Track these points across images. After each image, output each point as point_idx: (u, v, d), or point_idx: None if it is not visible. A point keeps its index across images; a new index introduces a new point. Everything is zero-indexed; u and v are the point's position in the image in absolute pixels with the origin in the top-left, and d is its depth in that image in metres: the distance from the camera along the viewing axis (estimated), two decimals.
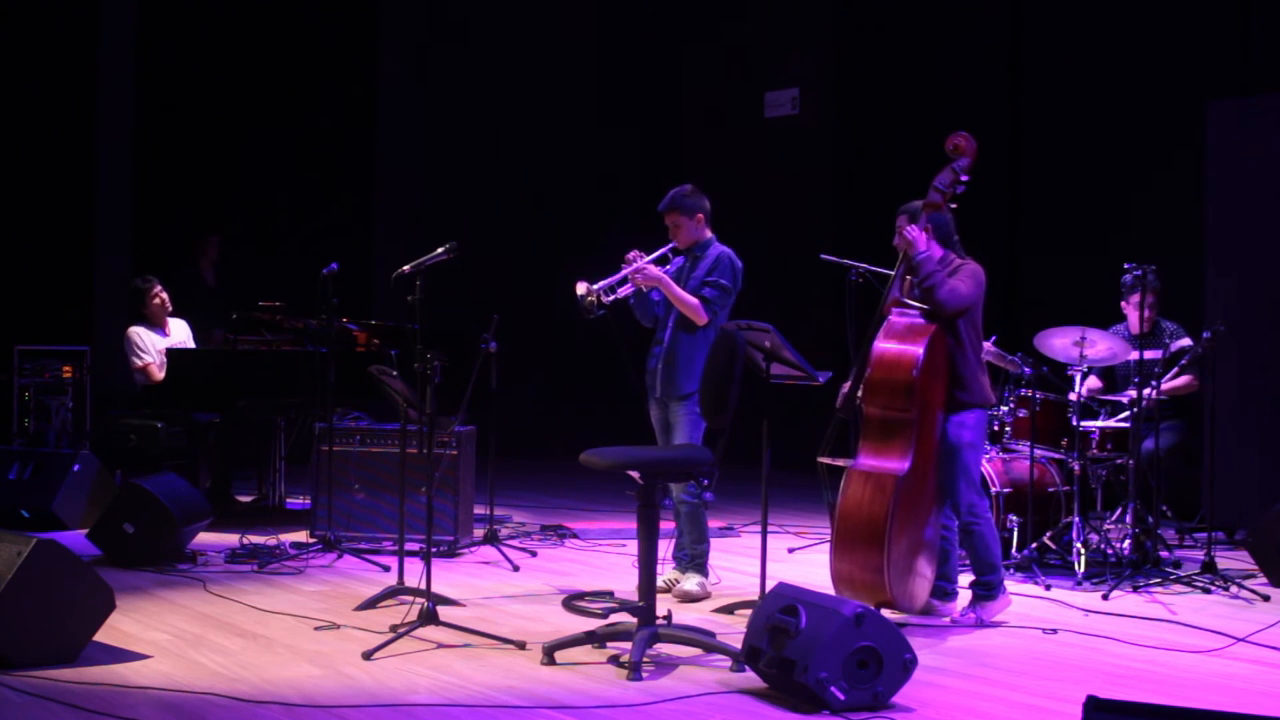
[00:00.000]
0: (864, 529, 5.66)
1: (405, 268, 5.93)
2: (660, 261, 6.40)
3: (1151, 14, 9.78)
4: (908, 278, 5.95)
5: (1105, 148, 9.95)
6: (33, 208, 10.92)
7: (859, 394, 5.89)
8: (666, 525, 6.14)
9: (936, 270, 5.72)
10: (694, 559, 6.43)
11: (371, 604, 5.96)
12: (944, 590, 6.03)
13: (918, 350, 5.70)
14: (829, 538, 5.89)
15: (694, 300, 6.26)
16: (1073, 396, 7.16)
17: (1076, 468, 7.09)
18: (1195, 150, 8.78)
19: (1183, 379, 7.85)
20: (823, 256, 7.09)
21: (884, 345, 5.81)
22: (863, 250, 7.19)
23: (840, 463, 5.92)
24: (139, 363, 8.54)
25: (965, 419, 5.82)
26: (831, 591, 5.61)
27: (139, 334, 8.63)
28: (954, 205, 5.91)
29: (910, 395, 5.69)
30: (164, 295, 8.73)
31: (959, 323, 5.82)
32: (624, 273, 6.30)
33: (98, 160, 11.23)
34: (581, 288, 6.23)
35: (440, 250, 5.96)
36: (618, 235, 7.23)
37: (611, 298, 6.31)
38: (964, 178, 5.88)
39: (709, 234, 6.44)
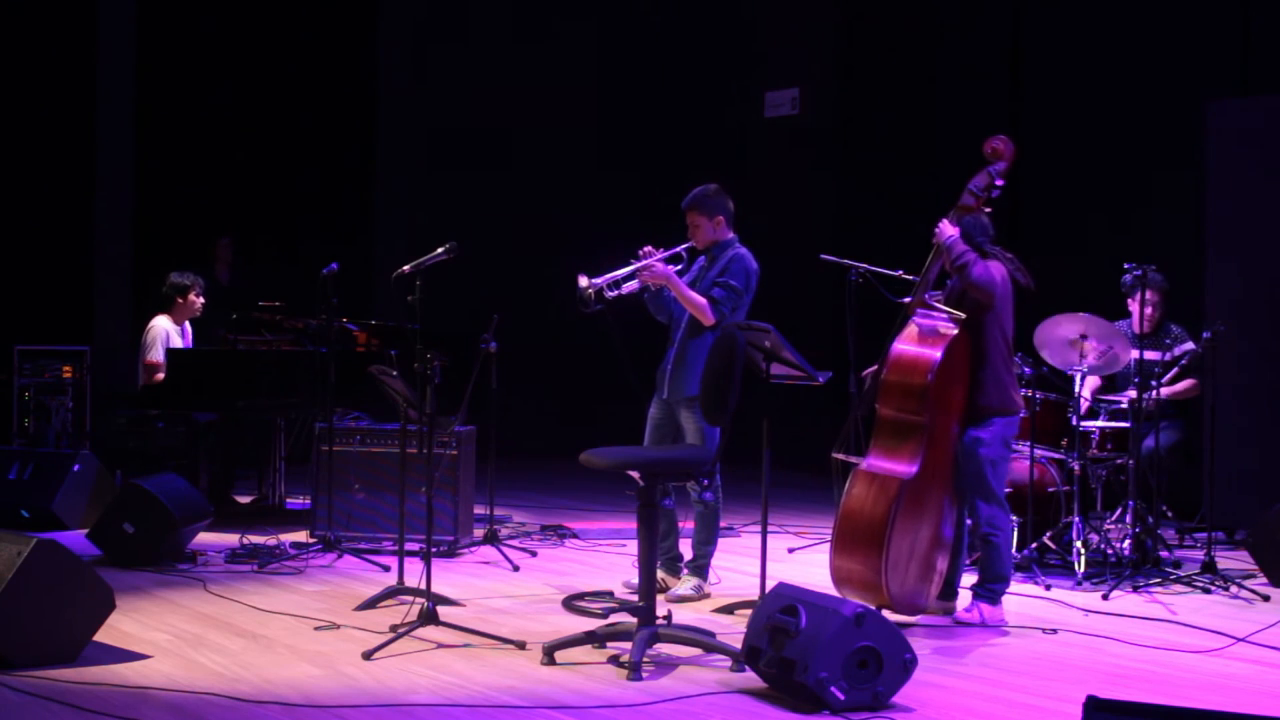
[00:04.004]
0: (864, 529, 5.65)
1: (405, 268, 5.93)
2: (673, 259, 6.35)
3: (1151, 14, 9.78)
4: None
5: (1105, 148, 9.94)
6: (33, 207, 10.92)
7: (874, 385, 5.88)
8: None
9: (967, 250, 5.71)
10: (696, 559, 6.42)
11: (371, 604, 5.96)
12: (946, 589, 6.02)
13: (935, 354, 5.67)
14: (831, 536, 5.88)
15: (701, 300, 6.22)
16: (1082, 404, 7.13)
17: (1076, 468, 7.09)
18: (1195, 150, 8.78)
19: (1184, 383, 7.84)
20: (823, 256, 7.09)
21: (902, 347, 5.79)
22: (863, 250, 7.18)
23: (855, 460, 5.91)
24: (158, 359, 8.48)
25: (982, 432, 5.77)
26: (831, 591, 5.60)
27: (167, 331, 8.58)
28: (988, 209, 5.92)
29: (924, 399, 5.66)
30: (201, 299, 8.70)
31: (986, 326, 5.77)
32: (632, 268, 6.27)
33: (98, 160, 11.24)
34: (583, 281, 6.20)
35: (440, 250, 5.96)
36: (617, 234, 7.23)
37: (614, 293, 6.27)
38: (999, 182, 5.89)
39: (730, 235, 6.38)
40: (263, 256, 11.41)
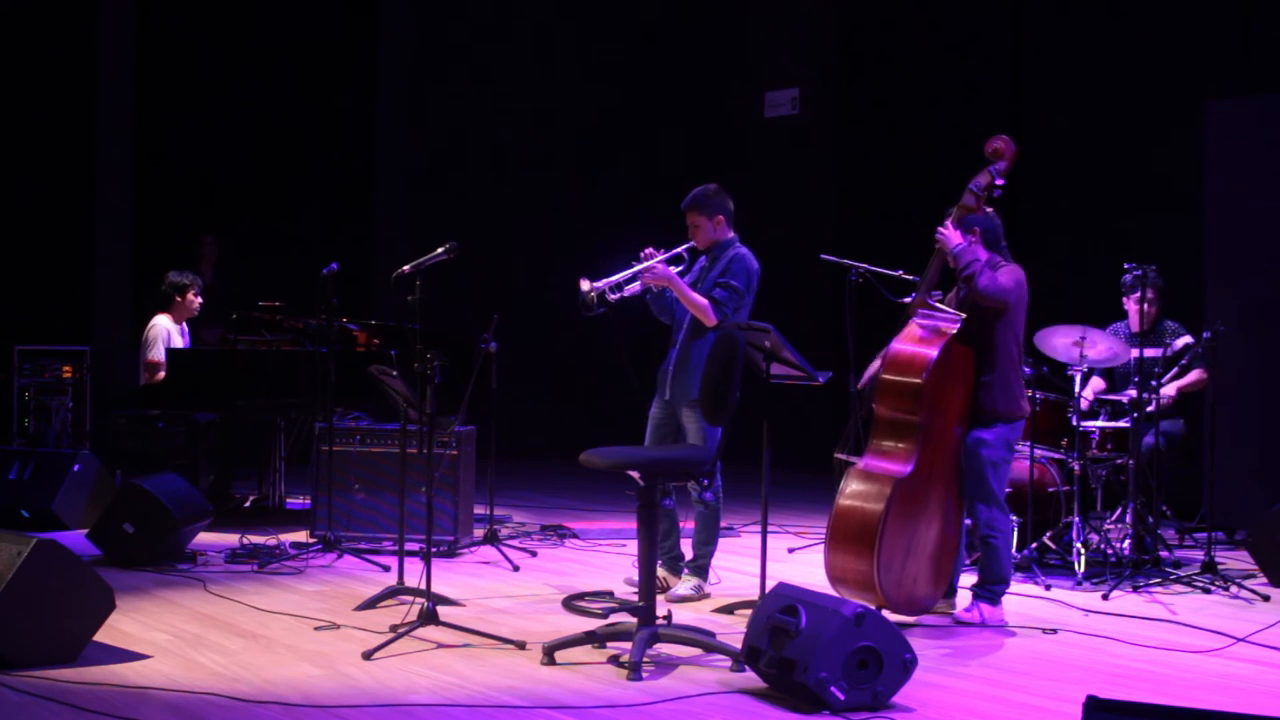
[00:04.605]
0: (857, 528, 5.66)
1: (405, 268, 5.93)
2: (675, 260, 6.34)
3: (1151, 14, 9.78)
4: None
5: (1105, 148, 9.95)
6: (33, 208, 10.92)
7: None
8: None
9: (976, 260, 5.71)
10: (697, 559, 6.42)
11: (371, 604, 5.96)
12: (947, 589, 6.02)
13: (931, 353, 5.67)
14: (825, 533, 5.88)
15: (703, 301, 6.21)
16: (1081, 403, 7.15)
17: (1076, 468, 7.09)
18: (1195, 150, 8.78)
19: (1193, 374, 7.84)
20: (823, 256, 7.09)
21: (899, 346, 5.79)
22: (863, 250, 7.18)
23: (857, 460, 5.91)
24: (159, 358, 8.46)
25: (986, 434, 5.77)
26: (831, 592, 5.60)
27: (168, 330, 8.53)
28: (989, 209, 5.93)
29: (919, 398, 5.65)
30: (199, 299, 8.69)
31: (995, 329, 5.76)
32: (634, 270, 6.26)
33: (98, 160, 11.24)
34: (585, 285, 6.20)
35: (440, 250, 5.96)
36: (618, 235, 7.23)
37: (617, 295, 6.26)
38: (999, 181, 5.89)
39: (730, 235, 6.38)
40: (263, 256, 11.41)
